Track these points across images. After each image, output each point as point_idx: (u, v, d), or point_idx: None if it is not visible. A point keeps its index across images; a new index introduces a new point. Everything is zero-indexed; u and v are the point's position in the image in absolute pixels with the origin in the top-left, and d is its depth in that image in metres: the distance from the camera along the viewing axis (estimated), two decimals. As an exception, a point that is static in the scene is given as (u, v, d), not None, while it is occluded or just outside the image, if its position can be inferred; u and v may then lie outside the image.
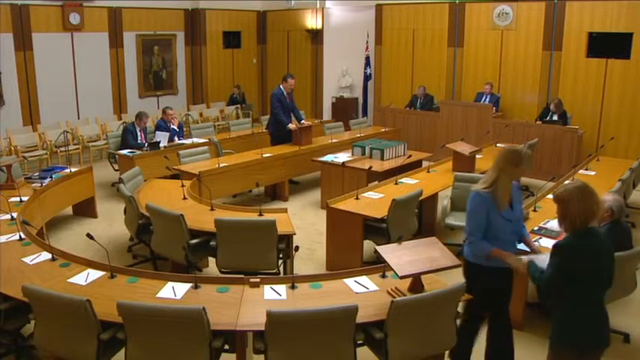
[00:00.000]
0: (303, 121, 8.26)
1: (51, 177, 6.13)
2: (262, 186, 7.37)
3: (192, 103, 12.73)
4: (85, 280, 3.55)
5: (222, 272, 4.54)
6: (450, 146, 6.77)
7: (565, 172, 6.99)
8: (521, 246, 3.56)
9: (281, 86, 7.86)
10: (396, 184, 5.98)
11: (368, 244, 5.22)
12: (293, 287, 3.47)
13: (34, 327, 3.31)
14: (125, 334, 3.03)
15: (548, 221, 4.68)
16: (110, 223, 6.73)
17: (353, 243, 5.13)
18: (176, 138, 8.32)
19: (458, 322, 3.41)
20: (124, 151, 7.64)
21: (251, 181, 6.79)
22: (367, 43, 11.65)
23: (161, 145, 7.87)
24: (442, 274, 3.49)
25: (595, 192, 2.75)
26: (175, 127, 8.43)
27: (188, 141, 8.30)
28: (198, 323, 2.93)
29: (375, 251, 3.66)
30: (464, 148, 6.65)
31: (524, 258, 3.07)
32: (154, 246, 4.94)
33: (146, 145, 7.78)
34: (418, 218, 5.60)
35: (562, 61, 9.32)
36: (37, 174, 6.28)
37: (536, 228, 4.58)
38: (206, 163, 6.90)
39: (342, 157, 7.20)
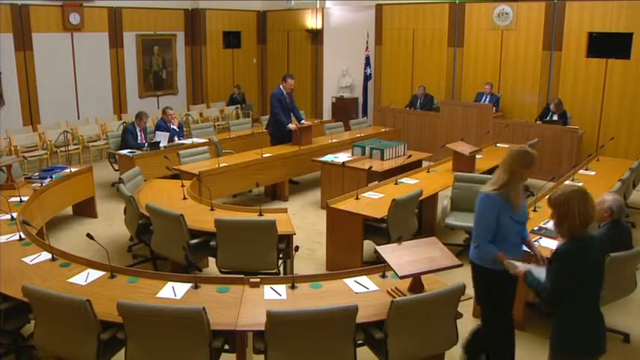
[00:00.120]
0: (303, 121, 8.25)
1: (51, 177, 6.13)
2: (262, 186, 7.37)
3: (192, 103, 12.72)
4: (85, 280, 3.56)
5: (222, 272, 4.54)
6: (450, 146, 6.77)
7: (565, 172, 6.98)
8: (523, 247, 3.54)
9: (281, 86, 7.86)
10: (396, 184, 5.98)
11: (368, 244, 5.22)
12: (293, 287, 3.47)
13: (34, 327, 3.31)
14: (125, 334, 3.03)
15: (548, 221, 4.66)
16: (110, 223, 6.72)
17: (353, 243, 5.13)
18: (176, 138, 8.32)
19: (474, 331, 3.37)
20: (124, 151, 7.64)
21: (251, 181, 6.79)
22: (367, 43, 11.64)
23: (161, 145, 7.87)
24: (442, 274, 3.49)
25: (591, 196, 2.77)
26: (175, 127, 8.42)
27: (188, 141, 8.30)
28: (199, 323, 2.93)
29: (375, 251, 3.66)
30: (464, 148, 6.64)
31: (520, 267, 3.03)
32: (153, 246, 4.95)
33: (146, 145, 7.78)
34: (418, 218, 5.60)
35: (562, 61, 9.31)
36: (37, 174, 6.28)
37: (536, 228, 4.58)
38: (206, 163, 6.90)
39: (342, 157, 7.19)
